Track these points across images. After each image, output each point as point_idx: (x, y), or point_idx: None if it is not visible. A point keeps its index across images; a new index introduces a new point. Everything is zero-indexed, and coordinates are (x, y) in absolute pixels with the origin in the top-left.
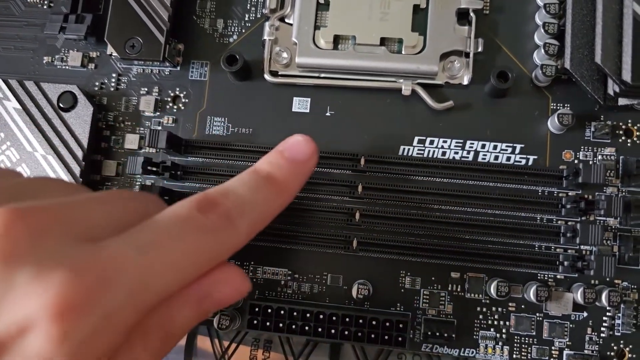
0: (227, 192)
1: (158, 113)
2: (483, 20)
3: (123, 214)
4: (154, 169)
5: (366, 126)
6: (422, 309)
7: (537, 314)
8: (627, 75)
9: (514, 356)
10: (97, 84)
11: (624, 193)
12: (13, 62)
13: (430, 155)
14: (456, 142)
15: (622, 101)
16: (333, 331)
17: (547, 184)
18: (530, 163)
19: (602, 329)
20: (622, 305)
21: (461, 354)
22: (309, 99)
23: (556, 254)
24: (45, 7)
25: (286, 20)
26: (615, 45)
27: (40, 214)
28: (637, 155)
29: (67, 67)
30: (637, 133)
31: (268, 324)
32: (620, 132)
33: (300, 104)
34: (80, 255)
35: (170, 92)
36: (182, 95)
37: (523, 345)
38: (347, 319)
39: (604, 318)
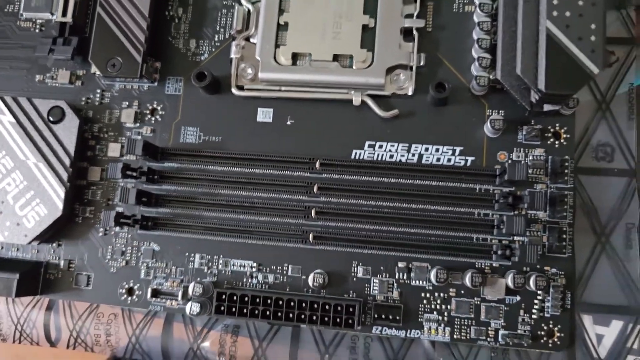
0: None
1: (138, 124)
2: (426, 37)
3: None
4: (133, 173)
5: (322, 133)
6: (372, 296)
7: (475, 298)
8: (541, 85)
9: (455, 336)
10: (83, 99)
11: (552, 189)
12: (8, 80)
13: (379, 158)
14: (402, 146)
15: (547, 107)
16: (291, 315)
17: (483, 182)
18: (468, 164)
19: (534, 311)
20: (551, 290)
21: (407, 335)
22: (272, 110)
23: (491, 245)
24: (37, 30)
25: (251, 40)
26: (533, 58)
27: None
28: (564, 155)
29: (57, 84)
30: (564, 135)
31: (233, 309)
32: (549, 134)
33: (264, 115)
34: None
35: (148, 105)
36: (159, 107)
37: (463, 327)
38: (304, 304)
39: (535, 301)
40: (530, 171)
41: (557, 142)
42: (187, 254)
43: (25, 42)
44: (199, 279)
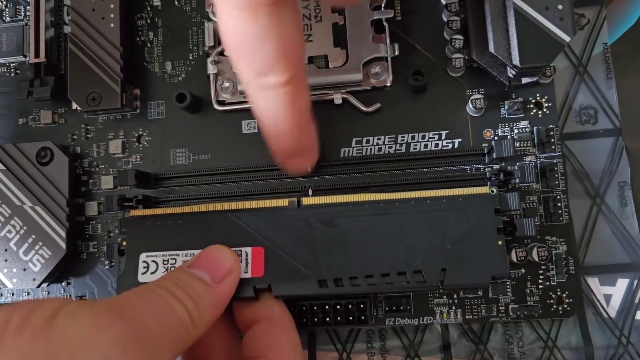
0: None
1: (126, 153)
2: (397, 26)
3: None
4: (130, 203)
5: None
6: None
7: None
8: (516, 60)
9: (467, 317)
10: (69, 136)
11: (541, 159)
12: None
13: (368, 153)
14: (389, 138)
15: (525, 79)
16: (304, 320)
17: (473, 162)
18: (456, 146)
19: (540, 280)
20: (554, 258)
21: (420, 322)
22: (256, 120)
23: None
24: (12, 75)
25: (225, 54)
26: (504, 34)
27: None
28: (548, 125)
29: (41, 125)
30: (546, 104)
31: None
32: (531, 105)
33: (249, 126)
34: None
35: (134, 133)
36: (145, 134)
37: (473, 306)
38: (315, 307)
39: (540, 271)
40: (517, 144)
41: (540, 112)
42: None
43: (2, 88)
44: None
